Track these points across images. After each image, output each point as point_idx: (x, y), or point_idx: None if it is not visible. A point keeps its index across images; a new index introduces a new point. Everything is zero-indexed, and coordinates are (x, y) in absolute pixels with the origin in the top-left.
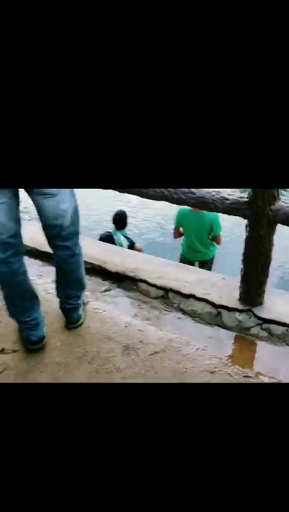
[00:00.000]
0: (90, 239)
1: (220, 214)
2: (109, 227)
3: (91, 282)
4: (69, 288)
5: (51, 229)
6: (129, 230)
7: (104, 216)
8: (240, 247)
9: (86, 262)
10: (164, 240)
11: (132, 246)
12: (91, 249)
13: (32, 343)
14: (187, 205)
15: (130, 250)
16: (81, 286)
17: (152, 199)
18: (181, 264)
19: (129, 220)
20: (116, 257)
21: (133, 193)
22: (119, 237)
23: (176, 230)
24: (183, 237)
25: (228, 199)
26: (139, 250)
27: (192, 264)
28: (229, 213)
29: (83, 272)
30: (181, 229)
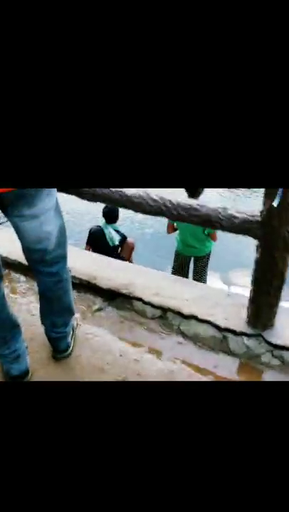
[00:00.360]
0: (78, 249)
1: None
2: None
3: (80, 301)
4: (55, 315)
5: (34, 253)
6: (121, 223)
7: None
8: None
9: (74, 277)
10: (158, 232)
11: (123, 240)
12: (79, 261)
13: (14, 378)
14: (190, 222)
15: (122, 261)
16: (69, 313)
17: (148, 214)
18: (179, 277)
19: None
20: (107, 271)
21: (127, 208)
22: (109, 231)
23: (170, 225)
24: (177, 231)
25: (236, 217)
26: (131, 244)
27: (188, 259)
28: (238, 233)
29: (71, 297)
30: (175, 224)
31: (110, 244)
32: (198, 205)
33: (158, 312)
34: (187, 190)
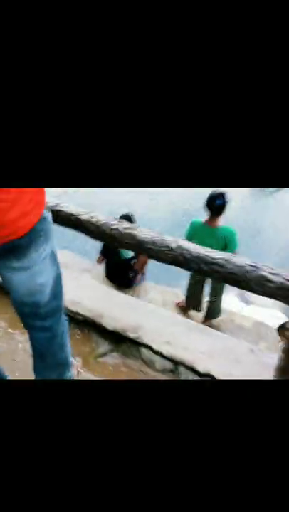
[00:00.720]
0: (86, 278)
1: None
2: None
3: (83, 342)
4: (48, 371)
5: (24, 307)
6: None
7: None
8: None
9: (78, 314)
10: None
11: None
12: (86, 295)
13: None
14: (212, 278)
15: (132, 298)
16: (64, 368)
17: (162, 262)
18: (195, 324)
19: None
20: (115, 309)
21: (140, 252)
22: None
23: (187, 239)
24: None
25: (270, 280)
26: (145, 258)
27: (203, 278)
28: (270, 297)
29: (68, 350)
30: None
31: (124, 256)
32: (222, 259)
33: (169, 365)
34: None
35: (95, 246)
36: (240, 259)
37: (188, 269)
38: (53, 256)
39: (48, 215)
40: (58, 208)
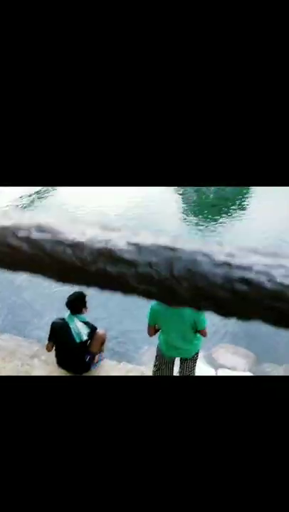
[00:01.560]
0: None
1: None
2: None
3: None
4: None
5: None
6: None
7: None
8: None
9: None
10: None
11: (92, 332)
12: None
13: None
14: None
15: None
16: None
17: None
18: None
19: None
20: None
21: None
22: (75, 325)
23: (151, 328)
24: (160, 331)
25: None
26: (102, 337)
27: (172, 360)
28: None
29: None
30: (156, 325)
31: (77, 340)
32: None
33: None
34: None
35: (46, 329)
36: None
37: None
38: None
39: None
40: None
